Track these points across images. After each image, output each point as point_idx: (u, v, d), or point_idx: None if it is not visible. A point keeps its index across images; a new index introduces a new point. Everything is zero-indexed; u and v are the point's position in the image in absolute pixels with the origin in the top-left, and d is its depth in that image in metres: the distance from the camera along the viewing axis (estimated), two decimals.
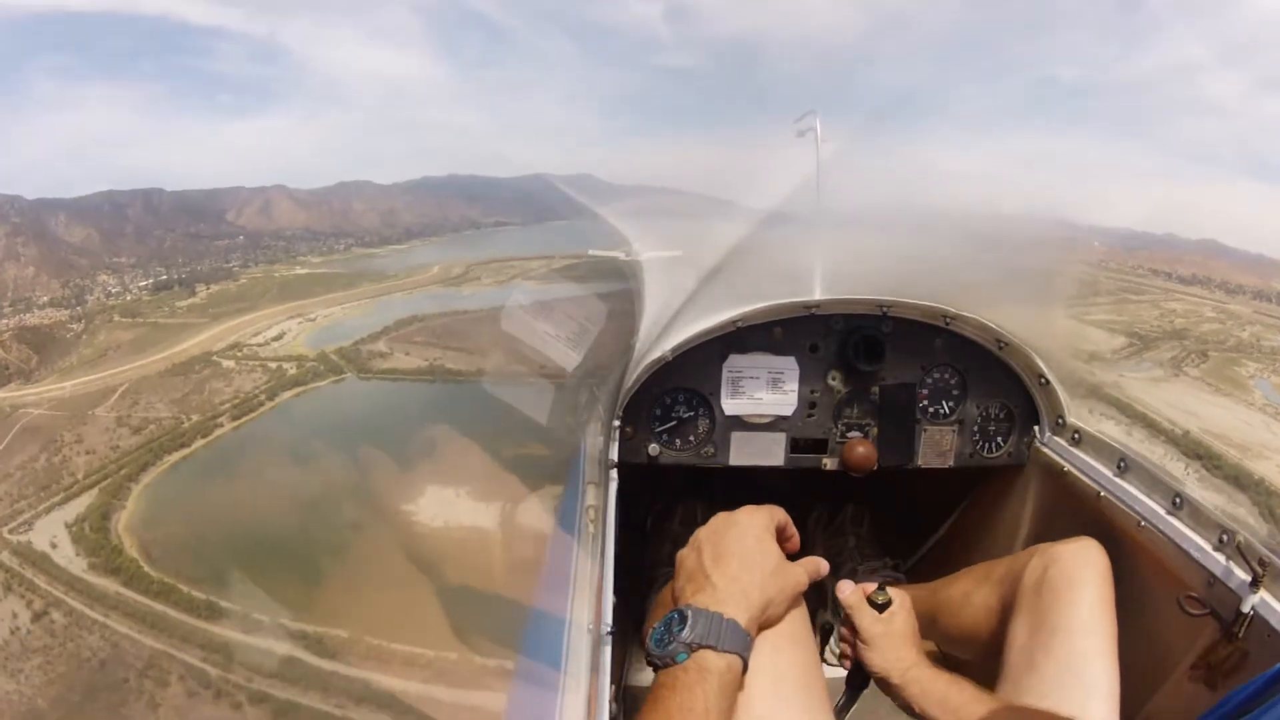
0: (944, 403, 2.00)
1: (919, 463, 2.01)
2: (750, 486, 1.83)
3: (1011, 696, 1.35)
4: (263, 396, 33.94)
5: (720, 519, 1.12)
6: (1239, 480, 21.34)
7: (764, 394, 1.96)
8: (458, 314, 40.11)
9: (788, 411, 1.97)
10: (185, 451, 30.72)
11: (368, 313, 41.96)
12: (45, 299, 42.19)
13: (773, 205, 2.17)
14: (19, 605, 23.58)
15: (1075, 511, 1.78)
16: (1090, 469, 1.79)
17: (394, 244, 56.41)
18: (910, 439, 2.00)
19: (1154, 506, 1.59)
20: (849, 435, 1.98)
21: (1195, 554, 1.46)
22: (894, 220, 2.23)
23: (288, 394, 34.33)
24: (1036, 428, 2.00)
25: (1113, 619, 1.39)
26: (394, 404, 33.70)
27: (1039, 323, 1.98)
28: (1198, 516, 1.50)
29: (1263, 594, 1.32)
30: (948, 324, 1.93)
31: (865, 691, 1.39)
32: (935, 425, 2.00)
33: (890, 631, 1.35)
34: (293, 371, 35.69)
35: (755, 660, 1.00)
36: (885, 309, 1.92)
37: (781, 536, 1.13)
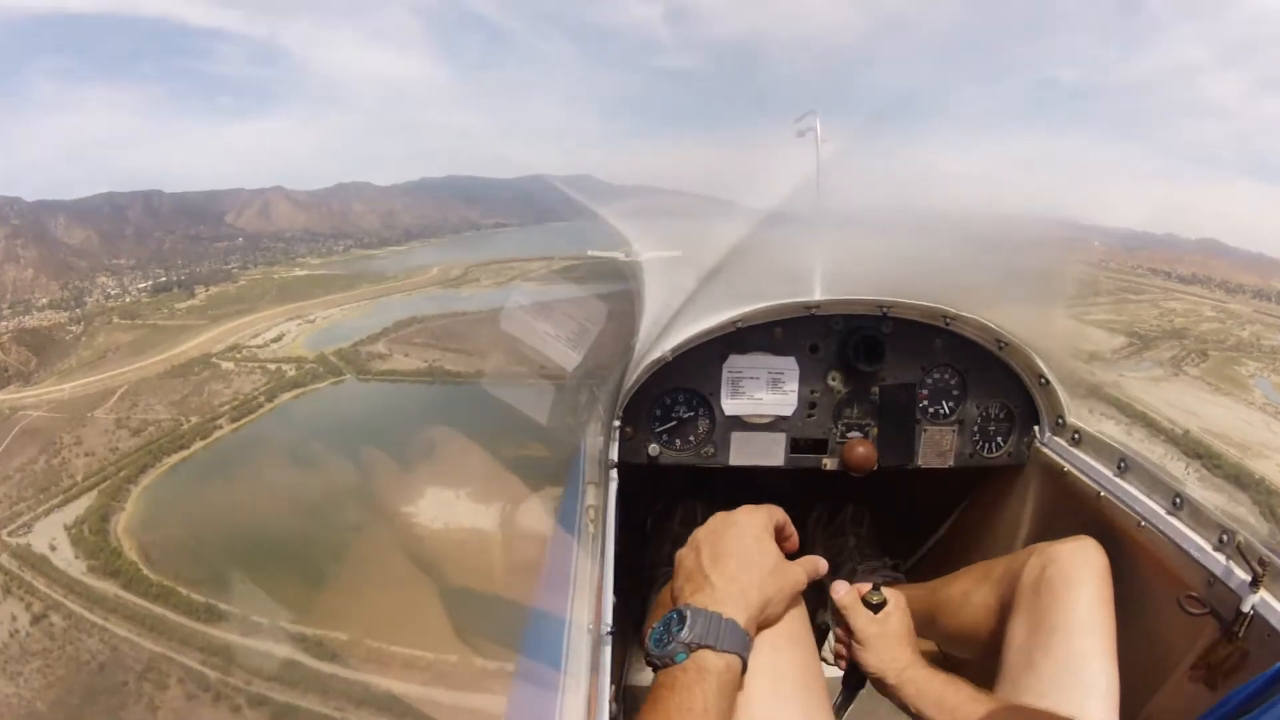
0: (944, 403, 2.00)
1: (919, 463, 2.01)
2: (750, 486, 1.83)
3: (1010, 696, 1.35)
4: (262, 398, 33.91)
5: (718, 519, 1.12)
6: (1239, 479, 21.34)
7: (764, 394, 1.96)
8: (457, 315, 40.10)
9: (788, 412, 1.97)
10: (184, 453, 30.68)
11: (367, 314, 41.94)
12: (44, 301, 42.16)
13: (773, 205, 2.17)
14: (18, 608, 23.53)
15: (1075, 511, 1.78)
16: (1090, 469, 1.80)
17: (393, 245, 56.39)
18: (910, 439, 2.00)
19: (1154, 506, 1.59)
20: (849, 435, 1.99)
21: (1195, 554, 1.46)
22: (894, 221, 2.24)
23: (287, 395, 34.30)
24: (1036, 428, 2.01)
25: (1111, 618, 1.39)
26: (393, 405, 33.68)
27: (1039, 323, 1.99)
28: (1198, 516, 1.50)
29: (1263, 594, 1.32)
30: (948, 324, 1.93)
31: (864, 691, 1.39)
32: (935, 425, 2.00)
33: (885, 632, 1.35)
34: (292, 373, 35.66)
35: (754, 660, 1.00)
36: (885, 309, 1.92)
37: (780, 536, 1.13)
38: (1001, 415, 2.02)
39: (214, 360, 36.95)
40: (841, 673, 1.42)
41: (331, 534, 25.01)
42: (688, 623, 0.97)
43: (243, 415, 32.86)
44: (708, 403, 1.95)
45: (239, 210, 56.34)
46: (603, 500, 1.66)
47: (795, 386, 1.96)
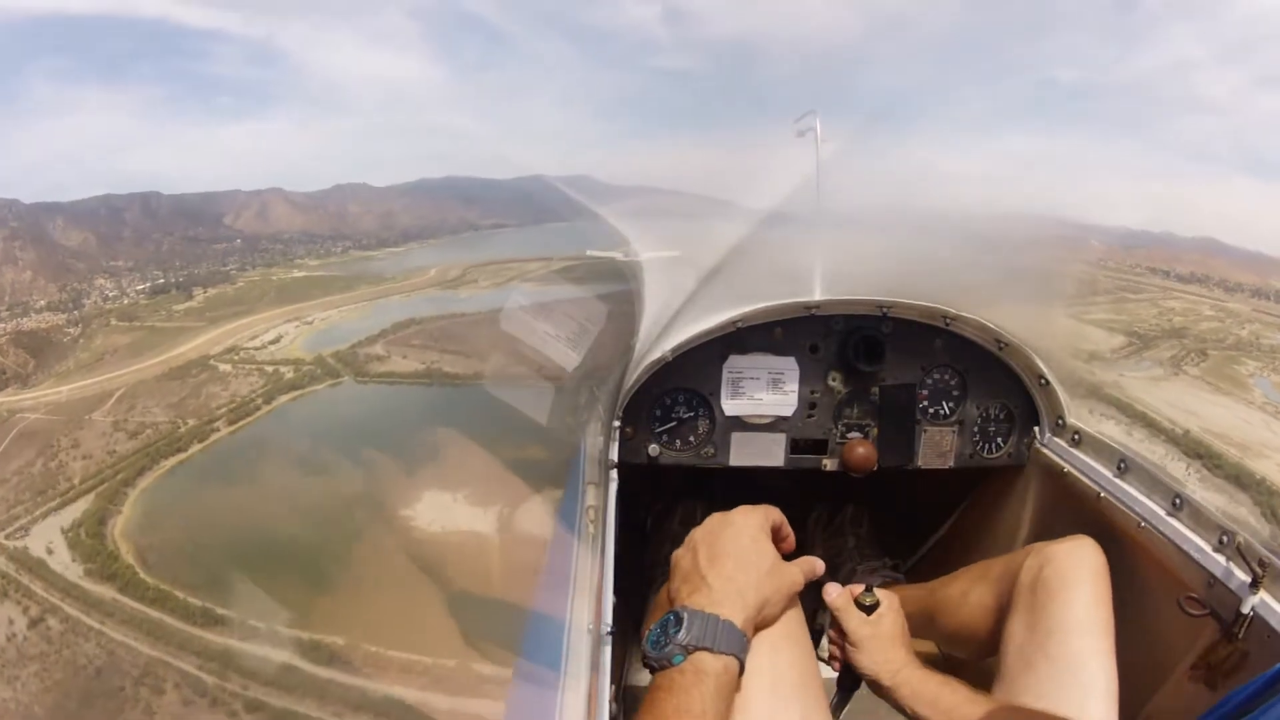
0: (944, 403, 2.00)
1: (919, 463, 2.01)
2: (750, 487, 1.83)
3: (1008, 696, 1.35)
4: (259, 400, 33.84)
5: (715, 519, 1.12)
6: (1240, 480, 21.36)
7: (764, 394, 1.96)
8: (455, 317, 40.08)
9: (788, 412, 1.97)
10: (182, 456, 30.60)
11: (365, 315, 41.88)
12: (42, 303, 42.07)
13: (772, 205, 2.17)
14: (15, 612, 23.45)
15: (1075, 512, 1.78)
16: (1090, 470, 1.80)
17: (391, 246, 56.33)
18: (910, 439, 2.00)
19: (1154, 507, 1.59)
20: (849, 436, 1.98)
21: (1195, 555, 1.46)
22: (894, 221, 2.24)
23: (284, 398, 34.22)
24: (1036, 428, 2.01)
25: (1109, 618, 1.38)
26: (391, 408, 33.63)
27: (1039, 323, 1.99)
28: (1198, 517, 1.50)
29: (1263, 595, 1.32)
30: (948, 324, 1.93)
31: (861, 692, 1.39)
32: (935, 426, 2.00)
33: (878, 633, 1.34)
34: (289, 375, 35.59)
35: (752, 661, 1.00)
36: (885, 309, 1.92)
37: (777, 536, 1.13)
38: (1001, 416, 2.02)
39: (212, 362, 36.88)
40: (836, 674, 1.42)
41: (330, 537, 24.95)
42: (684, 624, 0.96)
43: (240, 418, 32.78)
44: (708, 403, 1.95)
45: (237, 212, 56.29)
46: (603, 500, 1.66)
47: (795, 387, 1.96)
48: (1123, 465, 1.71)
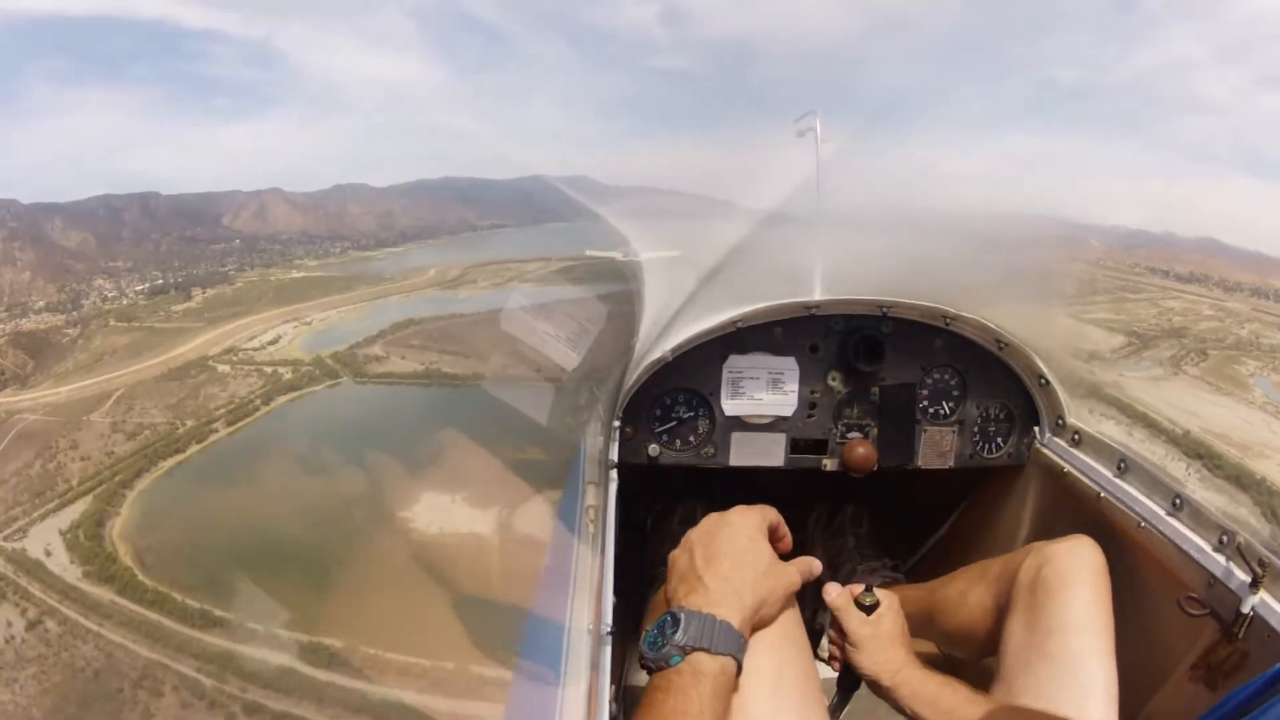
0: (944, 403, 2.00)
1: (919, 463, 2.01)
2: (750, 487, 1.83)
3: (1008, 696, 1.35)
4: (258, 401, 33.79)
5: (712, 519, 1.12)
6: (1240, 480, 21.36)
7: (764, 394, 1.96)
8: (454, 317, 40.06)
9: (788, 412, 1.97)
10: (180, 457, 30.56)
11: (363, 316, 41.85)
12: (41, 304, 42.01)
13: (772, 206, 2.18)
14: (13, 614, 23.40)
15: (1075, 512, 1.78)
16: (1090, 470, 1.80)
17: (390, 247, 56.31)
18: (910, 439, 2.00)
19: (1154, 507, 1.59)
20: (849, 436, 1.98)
21: (1195, 555, 1.46)
22: (894, 221, 2.24)
23: (283, 399, 34.17)
24: (1036, 428, 2.01)
25: (1109, 618, 1.38)
26: (390, 409, 33.59)
27: (1039, 323, 1.99)
28: (1198, 517, 1.50)
29: (1263, 594, 1.32)
30: (948, 324, 1.93)
31: (861, 692, 1.39)
32: (935, 426, 2.00)
33: (878, 634, 1.34)
34: (288, 376, 35.54)
35: (750, 661, 1.00)
36: (885, 309, 1.92)
37: (774, 536, 1.13)
38: (1001, 416, 2.02)
39: (210, 363, 36.83)
40: (837, 674, 1.42)
41: (329, 539, 24.90)
42: (681, 625, 0.96)
43: (239, 419, 32.74)
44: (708, 403, 1.95)
45: (236, 212, 56.24)
46: (603, 500, 1.66)
47: (795, 387, 1.96)
48: (1123, 465, 1.71)
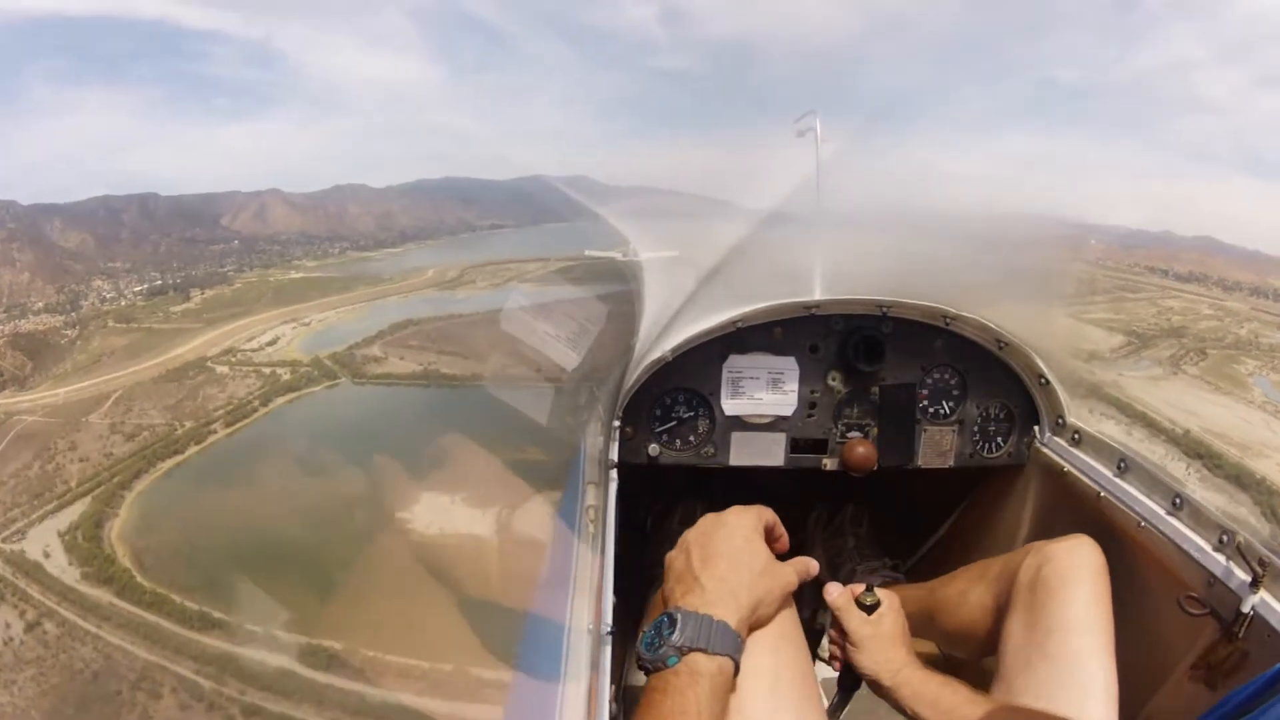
0: (944, 403, 2.00)
1: (919, 463, 2.01)
2: (750, 486, 1.83)
3: (1008, 696, 1.35)
4: (256, 403, 33.76)
5: (708, 520, 1.12)
6: (1240, 480, 21.37)
7: (764, 394, 1.96)
8: (453, 318, 40.05)
9: (788, 412, 1.97)
10: (178, 459, 30.52)
11: (362, 317, 41.81)
12: (40, 305, 41.96)
13: (772, 205, 2.17)
14: (12, 615, 23.35)
15: (1075, 512, 1.78)
16: (1090, 469, 1.80)
17: (389, 247, 56.27)
18: (910, 439, 2.00)
19: (1154, 507, 1.59)
20: (849, 435, 1.98)
21: (1195, 554, 1.46)
22: (894, 221, 2.24)
23: (281, 400, 34.14)
24: (1036, 428, 2.01)
25: (1109, 617, 1.38)
26: (388, 410, 33.56)
27: (1038, 322, 1.99)
28: (1198, 517, 1.50)
29: (1263, 594, 1.32)
30: (948, 324, 1.93)
31: (861, 692, 1.39)
32: (935, 425, 2.00)
33: (879, 633, 1.35)
34: (286, 377, 35.51)
35: (747, 661, 1.00)
36: (885, 309, 1.92)
37: (770, 536, 1.13)
38: (1001, 415, 2.02)
39: (209, 364, 36.80)
40: (837, 674, 1.42)
41: (328, 540, 24.87)
42: (678, 626, 0.96)
43: (237, 420, 32.71)
44: (708, 403, 1.95)
45: (235, 213, 56.19)
46: (603, 500, 1.66)
47: (795, 386, 1.96)
48: (1123, 465, 1.71)
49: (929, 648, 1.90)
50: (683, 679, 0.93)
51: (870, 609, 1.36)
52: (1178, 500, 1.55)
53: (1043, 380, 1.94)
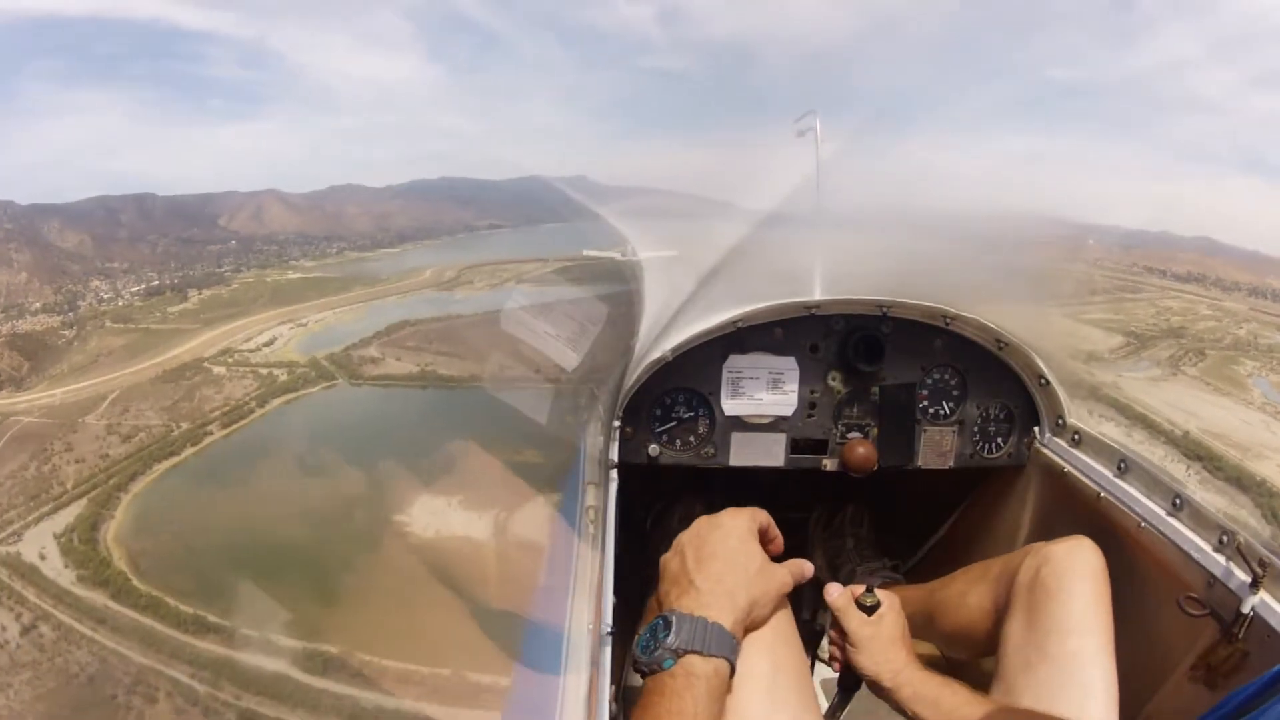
0: (944, 403, 2.00)
1: (919, 463, 2.01)
2: (750, 487, 1.83)
3: (1008, 697, 1.35)
4: (253, 404, 33.68)
5: (702, 522, 1.12)
6: (1240, 481, 21.41)
7: (764, 394, 1.95)
8: (450, 318, 40.04)
9: (788, 412, 1.96)
10: (175, 460, 30.43)
11: (360, 317, 41.78)
12: (38, 305, 41.87)
13: (772, 206, 2.17)
14: (8, 618, 23.25)
15: (1075, 512, 1.78)
16: (1090, 470, 1.80)
17: (386, 248, 56.26)
18: (910, 439, 2.00)
19: (1154, 507, 1.59)
20: (849, 436, 1.98)
21: (1195, 555, 1.46)
22: (894, 221, 2.24)
23: (278, 400, 34.06)
24: (1036, 428, 2.01)
25: (1108, 618, 1.38)
26: (386, 411, 33.51)
27: (1038, 323, 1.99)
28: (1198, 517, 1.50)
29: (1263, 595, 1.32)
30: (948, 324, 1.93)
31: (861, 693, 1.39)
32: (935, 426, 2.00)
33: (879, 634, 1.34)
34: (284, 378, 35.45)
35: (743, 663, 1.00)
36: (885, 309, 1.92)
37: (765, 538, 1.13)
38: (1001, 416, 2.02)
39: (206, 365, 36.72)
40: (837, 675, 1.42)
41: (325, 543, 24.80)
42: (674, 628, 0.96)
43: (234, 421, 32.62)
44: (708, 403, 1.95)
45: (232, 213, 56.13)
46: (603, 500, 1.65)
47: (795, 386, 1.95)
48: (1123, 465, 1.71)
49: (929, 649, 1.89)
50: (679, 681, 0.93)
51: (870, 610, 1.36)
52: (1178, 501, 1.55)
53: (1043, 380, 1.94)
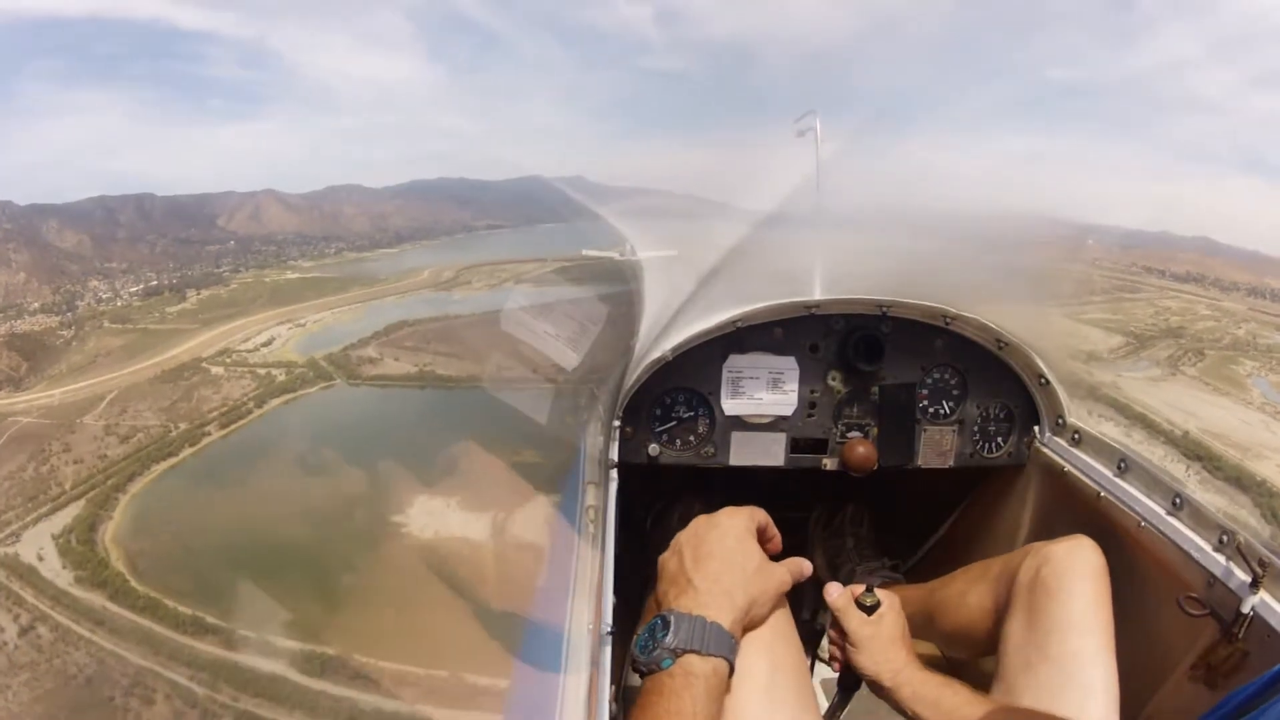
0: (944, 403, 2.00)
1: (919, 463, 2.01)
2: (750, 486, 1.83)
3: (1008, 697, 1.35)
4: (251, 404, 33.66)
5: (700, 521, 1.12)
6: (1240, 481, 21.43)
7: (764, 394, 1.95)
8: (449, 318, 40.04)
9: (788, 411, 1.96)
10: (173, 460, 30.38)
11: (358, 317, 41.78)
12: (36, 305, 41.84)
13: (772, 206, 2.17)
14: (6, 619, 23.23)
15: (1075, 512, 1.78)
16: (1090, 469, 1.80)
17: (385, 248, 56.28)
18: (910, 439, 2.00)
19: (1154, 507, 1.59)
20: (849, 435, 1.98)
21: (1195, 554, 1.46)
22: (894, 221, 2.24)
23: (276, 401, 34.04)
24: (1036, 428, 2.00)
25: (1108, 618, 1.38)
26: (384, 411, 33.49)
27: (1038, 322, 1.99)
28: (1198, 517, 1.50)
29: (1263, 594, 1.32)
30: (948, 324, 1.93)
31: (861, 693, 1.39)
32: (935, 425, 2.00)
33: (879, 634, 1.34)
34: (282, 378, 35.43)
35: (742, 662, 1.00)
36: (885, 309, 1.92)
37: (763, 537, 1.13)
38: (1001, 415, 2.02)
39: (204, 365, 36.69)
40: (837, 674, 1.42)
41: (324, 544, 24.77)
42: (672, 628, 0.96)
43: (232, 421, 32.59)
44: (708, 402, 1.95)
45: (230, 213, 56.10)
46: (603, 500, 1.65)
47: (795, 386, 1.95)
48: (1123, 465, 1.71)
49: (929, 648, 1.89)
50: (677, 681, 0.93)
51: (870, 609, 1.36)
52: (1178, 500, 1.55)
53: (1043, 380, 1.94)
